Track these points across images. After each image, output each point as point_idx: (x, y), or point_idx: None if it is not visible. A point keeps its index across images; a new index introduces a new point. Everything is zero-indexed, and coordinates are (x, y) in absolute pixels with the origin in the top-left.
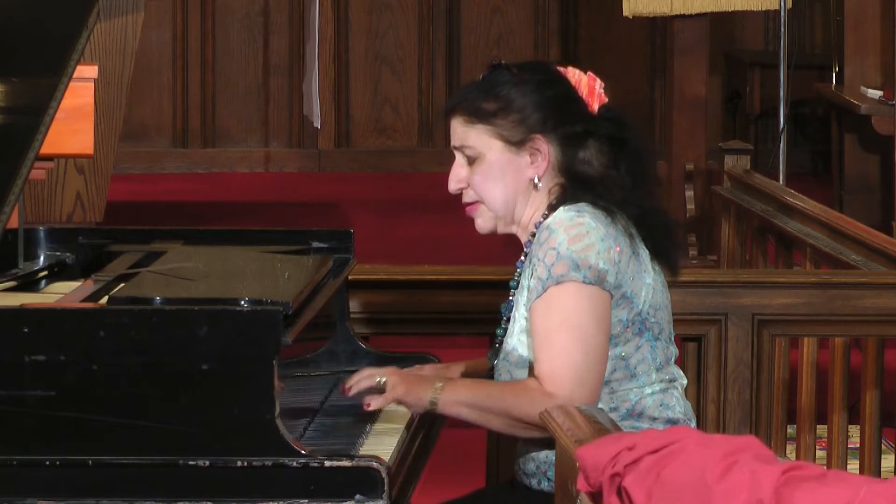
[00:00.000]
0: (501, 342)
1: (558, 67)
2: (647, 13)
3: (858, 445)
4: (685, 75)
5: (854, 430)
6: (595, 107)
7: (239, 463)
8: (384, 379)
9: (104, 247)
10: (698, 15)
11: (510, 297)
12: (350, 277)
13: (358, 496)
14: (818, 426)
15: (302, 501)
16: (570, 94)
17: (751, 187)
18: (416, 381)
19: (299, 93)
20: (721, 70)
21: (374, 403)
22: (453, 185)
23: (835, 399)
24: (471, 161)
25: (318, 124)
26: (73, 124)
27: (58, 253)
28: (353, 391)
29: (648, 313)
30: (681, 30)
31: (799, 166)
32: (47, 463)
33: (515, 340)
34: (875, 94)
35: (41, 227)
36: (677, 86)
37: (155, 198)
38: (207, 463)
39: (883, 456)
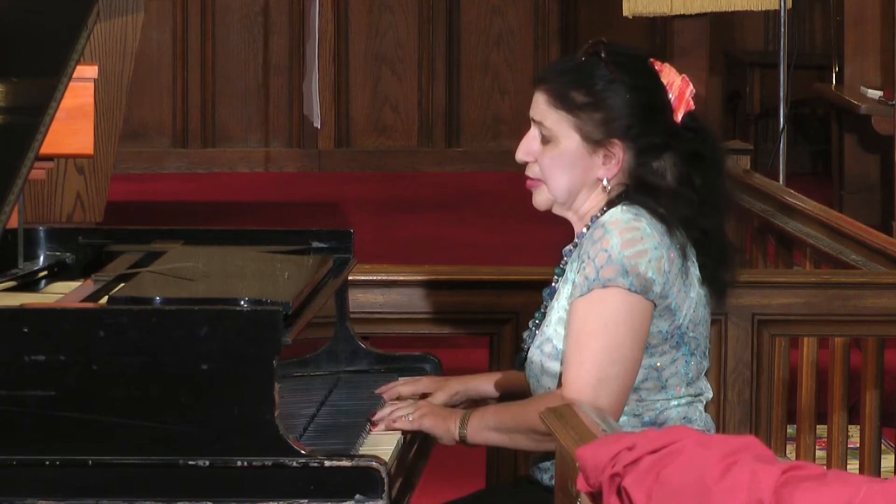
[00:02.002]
0: (539, 325)
1: (655, 63)
2: (647, 13)
3: (858, 445)
4: (685, 75)
5: (854, 430)
6: (680, 114)
7: (239, 463)
8: (412, 417)
9: (104, 247)
10: (698, 15)
11: (553, 284)
12: (350, 277)
13: (358, 496)
14: (818, 426)
15: (302, 501)
16: (659, 102)
17: (751, 187)
18: (444, 415)
19: (299, 93)
20: (721, 70)
21: (399, 424)
22: (521, 156)
23: (835, 399)
24: (545, 140)
25: (318, 124)
26: (73, 124)
27: (58, 253)
28: (382, 427)
29: (688, 328)
30: (681, 30)
31: (799, 166)
32: (47, 463)
33: (552, 331)
34: (875, 94)
35: (41, 227)
36: None
37: (155, 198)
38: (207, 463)
39: (883, 456)
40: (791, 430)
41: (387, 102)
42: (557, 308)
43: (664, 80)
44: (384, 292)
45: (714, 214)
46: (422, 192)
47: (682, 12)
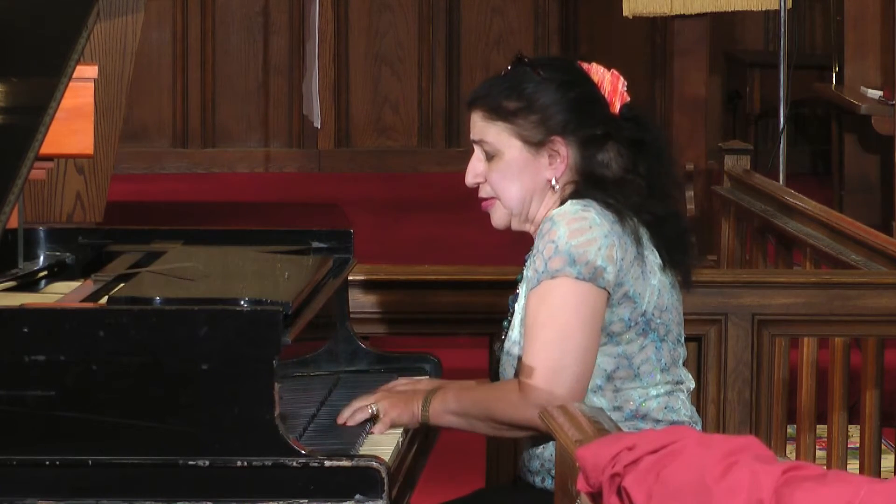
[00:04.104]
0: (506, 334)
1: (582, 64)
2: (647, 13)
3: (858, 445)
4: (685, 75)
5: (854, 430)
6: (617, 106)
7: (239, 463)
8: (376, 407)
9: (104, 247)
10: (698, 15)
11: (517, 291)
12: (350, 277)
13: (358, 496)
14: (818, 426)
15: (302, 501)
16: (592, 94)
17: (751, 187)
18: (406, 399)
19: (299, 93)
20: (721, 70)
21: (375, 430)
22: (470, 179)
23: (835, 399)
24: (489, 157)
25: (318, 124)
26: (73, 124)
27: (58, 253)
28: (350, 424)
29: (654, 314)
30: (681, 30)
31: (799, 166)
32: (47, 463)
33: (517, 332)
34: (875, 94)
35: (41, 227)
36: (677, 86)
37: (155, 198)
38: (207, 463)
39: (883, 456)
40: (791, 430)
41: (387, 102)
42: (519, 310)
43: (594, 78)
44: (384, 292)
45: (663, 199)
46: (422, 192)
47: (682, 12)
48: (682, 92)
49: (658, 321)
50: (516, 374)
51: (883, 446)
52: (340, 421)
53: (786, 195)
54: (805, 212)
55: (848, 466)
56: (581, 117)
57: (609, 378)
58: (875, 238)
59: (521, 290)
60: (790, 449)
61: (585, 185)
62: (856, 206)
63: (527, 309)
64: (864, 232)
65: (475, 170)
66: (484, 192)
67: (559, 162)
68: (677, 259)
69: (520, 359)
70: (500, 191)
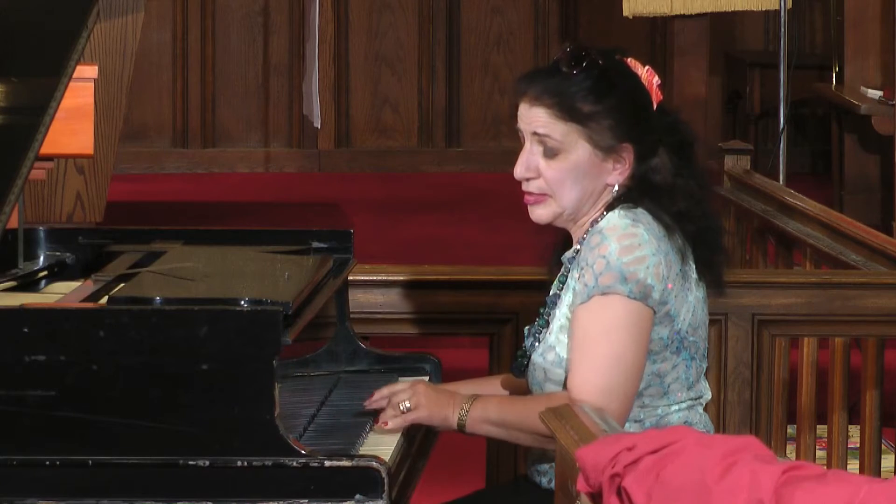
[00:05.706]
0: (541, 334)
1: (624, 60)
2: (647, 13)
3: (858, 445)
4: (685, 75)
5: (854, 430)
6: (655, 106)
7: (239, 463)
8: (408, 403)
9: (104, 247)
10: (698, 15)
11: (556, 291)
12: (350, 277)
13: (358, 496)
14: (818, 426)
15: (302, 501)
16: (647, 98)
17: (751, 187)
18: (442, 402)
19: (299, 93)
20: (721, 70)
21: (392, 423)
22: (522, 172)
23: (835, 399)
24: (549, 153)
25: (318, 124)
26: (73, 124)
27: (58, 253)
28: (374, 406)
29: (687, 332)
30: (681, 30)
31: (799, 166)
32: (47, 463)
33: (554, 338)
34: (875, 94)
35: (41, 227)
36: (677, 86)
37: (155, 198)
38: (207, 463)
39: (883, 456)
40: (791, 430)
41: (387, 102)
42: (559, 316)
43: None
44: (384, 292)
45: (705, 199)
46: (422, 192)
47: (682, 12)
48: (682, 92)
49: (691, 339)
50: (564, 384)
51: (883, 446)
52: (371, 400)
53: (786, 195)
54: (805, 212)
55: (848, 466)
56: (644, 123)
57: (639, 395)
58: (875, 238)
59: (563, 295)
60: (790, 449)
61: (638, 190)
62: (856, 206)
63: (575, 322)
64: (864, 232)
65: (530, 164)
66: (534, 188)
67: (625, 168)
68: (712, 263)
69: (566, 371)
70: (557, 189)
